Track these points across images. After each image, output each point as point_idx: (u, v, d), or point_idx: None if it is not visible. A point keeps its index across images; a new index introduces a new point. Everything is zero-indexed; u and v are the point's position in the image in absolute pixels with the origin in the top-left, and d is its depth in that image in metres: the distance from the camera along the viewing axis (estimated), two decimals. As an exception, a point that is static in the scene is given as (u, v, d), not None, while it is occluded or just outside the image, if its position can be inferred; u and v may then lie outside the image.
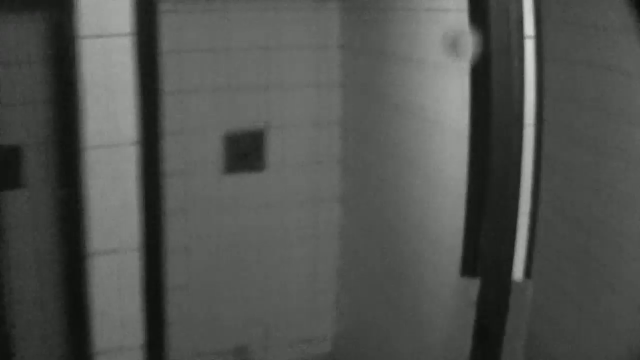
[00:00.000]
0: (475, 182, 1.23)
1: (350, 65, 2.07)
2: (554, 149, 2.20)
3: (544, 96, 1.24)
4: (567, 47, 1.96)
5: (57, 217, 1.65)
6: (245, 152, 1.97)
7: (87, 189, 1.20)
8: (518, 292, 1.19)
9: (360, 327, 2.17)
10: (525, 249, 1.27)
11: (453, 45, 1.32)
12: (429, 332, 1.64)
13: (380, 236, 1.95)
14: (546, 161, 1.83)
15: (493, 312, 1.16)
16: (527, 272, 1.27)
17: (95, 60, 1.20)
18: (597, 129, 1.99)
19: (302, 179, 2.16)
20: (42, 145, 1.72)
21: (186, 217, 2.05)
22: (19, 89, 1.67)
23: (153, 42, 1.23)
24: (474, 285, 1.16)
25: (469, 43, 1.21)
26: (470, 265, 1.20)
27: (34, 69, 1.63)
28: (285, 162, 2.11)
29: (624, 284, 1.88)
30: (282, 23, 2.00)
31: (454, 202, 1.36)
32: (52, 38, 1.42)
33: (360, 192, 2.09)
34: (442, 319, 1.52)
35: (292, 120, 2.07)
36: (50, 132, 1.61)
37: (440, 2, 1.54)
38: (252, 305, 2.21)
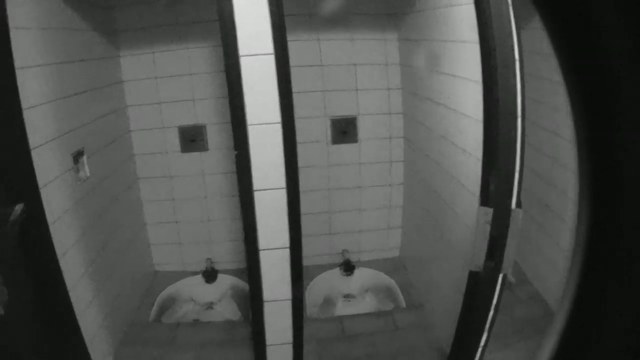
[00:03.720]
0: (487, 149, 1.59)
1: (405, 75, 2.66)
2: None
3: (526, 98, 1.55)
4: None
5: (233, 168, 1.95)
6: (344, 130, 2.54)
7: (251, 151, 1.52)
8: (514, 216, 1.54)
9: (415, 240, 2.70)
10: (516, 191, 1.59)
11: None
12: (457, 244, 1.96)
13: (427, 182, 2.38)
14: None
15: (500, 228, 1.55)
16: (518, 204, 1.59)
17: (251, 72, 1.49)
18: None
19: (380, 148, 2.70)
20: (218, 124, 2.29)
21: (309, 171, 2.62)
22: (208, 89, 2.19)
23: (285, 60, 1.51)
24: (489, 212, 1.57)
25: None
26: (485, 199, 1.59)
27: (220, 76, 2.15)
28: (369, 137, 2.66)
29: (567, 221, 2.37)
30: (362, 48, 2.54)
31: (474, 163, 1.81)
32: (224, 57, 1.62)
33: (415, 157, 2.58)
34: (466, 233, 1.83)
35: (373, 111, 2.57)
36: (226, 115, 2.03)
37: (455, 35, 1.83)
38: (351, 225, 2.88)
